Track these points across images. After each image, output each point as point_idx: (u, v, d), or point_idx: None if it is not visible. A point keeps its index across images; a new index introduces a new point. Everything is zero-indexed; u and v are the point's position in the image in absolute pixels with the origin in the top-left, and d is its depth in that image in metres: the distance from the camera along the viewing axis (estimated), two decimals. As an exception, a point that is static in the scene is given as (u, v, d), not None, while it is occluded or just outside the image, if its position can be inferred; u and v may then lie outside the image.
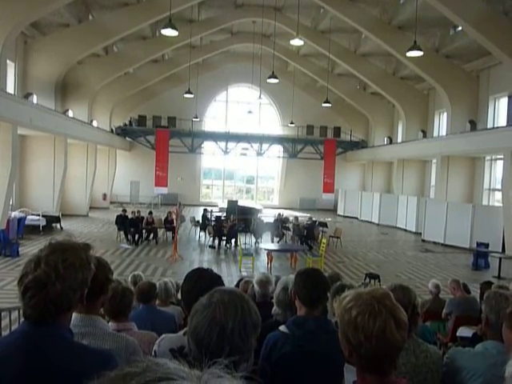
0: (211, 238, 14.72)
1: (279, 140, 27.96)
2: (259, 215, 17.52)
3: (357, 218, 24.69)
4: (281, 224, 15.99)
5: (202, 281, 1.89)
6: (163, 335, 1.93)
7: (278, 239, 15.67)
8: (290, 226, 16.51)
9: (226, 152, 27.64)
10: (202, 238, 16.08)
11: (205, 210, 17.26)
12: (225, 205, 21.09)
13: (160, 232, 15.45)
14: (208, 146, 28.62)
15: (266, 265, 11.65)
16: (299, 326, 2.09)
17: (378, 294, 1.24)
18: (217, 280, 1.95)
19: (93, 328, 1.72)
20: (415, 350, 1.91)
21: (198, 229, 16.63)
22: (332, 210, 28.77)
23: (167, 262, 11.80)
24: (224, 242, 14.46)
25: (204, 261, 12.33)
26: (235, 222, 15.05)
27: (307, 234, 15.03)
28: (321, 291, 2.17)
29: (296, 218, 16.13)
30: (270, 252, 11.62)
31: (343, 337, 1.23)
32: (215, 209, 22.32)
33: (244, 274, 10.59)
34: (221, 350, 1.12)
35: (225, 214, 18.95)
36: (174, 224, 13.70)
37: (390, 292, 1.27)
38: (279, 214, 17.00)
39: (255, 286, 3.56)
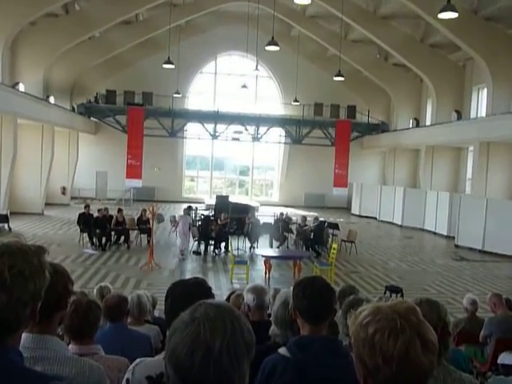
0: (196, 243, 14.74)
1: (280, 121, 27.98)
2: (255, 214, 17.56)
3: (375, 219, 24.85)
4: (282, 225, 16.04)
5: (188, 295, 1.89)
6: (138, 360, 1.93)
7: (278, 244, 15.75)
8: (293, 227, 16.58)
9: (214, 136, 27.63)
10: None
11: (188, 208, 17.23)
12: (213, 201, 21.11)
13: (132, 234, 15.48)
14: (192, 128, 28.63)
15: (264, 275, 11.72)
16: (302, 347, 2.09)
17: (401, 308, 1.24)
18: (205, 293, 1.96)
19: (48, 351, 1.69)
20: (446, 380, 1.91)
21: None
22: (345, 209, 28.91)
23: (141, 271, 11.85)
24: (212, 247, 14.52)
25: (187, 270, 12.39)
26: (226, 223, 15.08)
27: (314, 238, 15.09)
28: (325, 302, 2.17)
29: (301, 217, 16.17)
30: (268, 259, 11.66)
31: (358, 359, 1.23)
32: (201, 206, 22.32)
33: (236, 286, 10.65)
34: (205, 377, 1.11)
35: (213, 213, 19.00)
36: (150, 225, 13.72)
37: (416, 306, 1.27)
38: (280, 214, 17.05)
39: (247, 295, 3.53)
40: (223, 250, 14.81)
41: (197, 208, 20.66)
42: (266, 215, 20.71)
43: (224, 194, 26.88)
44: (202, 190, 32.41)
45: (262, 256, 12.17)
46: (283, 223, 16.28)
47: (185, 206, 18.04)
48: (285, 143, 29.63)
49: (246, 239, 15.60)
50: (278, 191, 31.79)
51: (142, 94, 28.17)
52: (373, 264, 14.04)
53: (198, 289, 1.97)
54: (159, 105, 27.16)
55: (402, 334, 1.19)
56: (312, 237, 15.16)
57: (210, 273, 12.11)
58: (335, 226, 16.63)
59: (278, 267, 12.71)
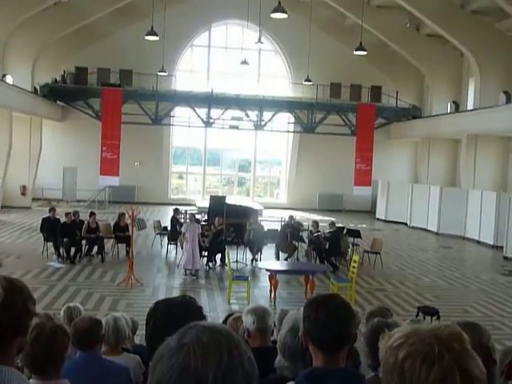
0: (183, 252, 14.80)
1: (289, 105, 28.01)
2: (258, 219, 17.57)
3: (405, 224, 24.93)
4: (291, 232, 16.07)
5: (174, 316, 1.89)
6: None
7: (286, 255, 15.80)
8: (305, 235, 16.62)
9: (208, 123, 27.67)
10: (172, 254, 16.19)
11: (176, 212, 17.33)
12: (206, 203, 21.15)
13: (108, 244, 15.53)
14: (181, 113, 28.73)
15: (269, 294, 11.77)
16: (315, 382, 2.09)
17: (443, 333, 1.23)
18: (195, 313, 1.97)
19: (3, 386, 1.71)
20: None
21: (166, 239, 16.74)
22: (368, 212, 28.96)
23: (119, 288, 11.90)
24: (204, 260, 14.55)
25: (174, 287, 12.44)
26: (222, 229, 15.11)
27: (330, 248, 15.11)
28: (343, 327, 2.16)
29: (314, 223, 16.20)
30: (273, 274, 11.69)
31: (385, 389, 1.24)
32: (192, 209, 22.35)
33: (235, 307, 10.69)
34: (197, 417, 1.12)
35: (206, 218, 19.01)
36: (129, 232, 13.71)
37: (463, 333, 1.26)
38: (289, 218, 17.08)
39: (246, 317, 3.55)
40: (218, 262, 14.82)
41: (186, 212, 20.72)
42: (271, 220, 20.71)
43: (220, 195, 26.93)
44: (192, 190, 32.49)
45: (267, 270, 12.18)
46: (292, 230, 16.28)
47: (172, 208, 18.11)
48: (294, 132, 29.65)
49: (247, 249, 15.62)
50: (285, 191, 31.84)
51: (119, 73, 28.23)
52: (402, 280, 14.05)
53: (186, 309, 1.97)
54: (141, 85, 27.20)
55: (438, 363, 1.18)
56: (328, 247, 15.16)
57: (203, 291, 12.14)
58: (356, 234, 16.64)
59: (285, 284, 12.73)
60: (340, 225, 17.67)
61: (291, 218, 17.03)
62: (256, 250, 15.56)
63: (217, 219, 15.40)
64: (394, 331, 1.29)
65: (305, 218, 23.58)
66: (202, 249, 14.27)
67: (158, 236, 17.30)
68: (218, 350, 1.15)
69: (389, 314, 4.13)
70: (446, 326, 1.28)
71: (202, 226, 15.58)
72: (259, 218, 18.39)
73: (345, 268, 14.49)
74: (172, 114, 27.95)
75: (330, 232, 15.49)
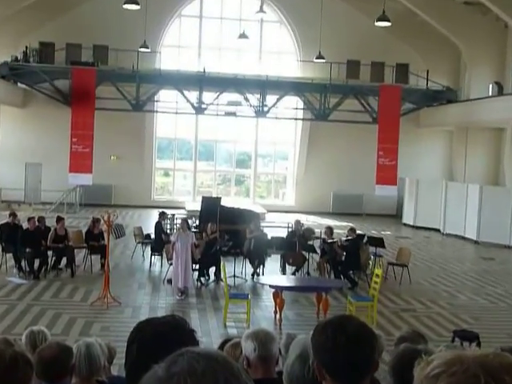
0: (172, 266, 14.79)
1: (297, 87, 28.00)
2: (260, 225, 17.56)
3: (438, 231, 24.95)
4: (299, 241, 16.06)
5: (159, 339, 1.89)
6: None
7: (294, 268, 15.83)
8: (317, 244, 16.61)
9: (199, 110, 27.67)
10: (156, 267, 16.20)
11: (161, 216, 17.32)
12: (197, 206, 21.13)
13: (79, 255, 15.54)
14: (167, 98, 28.79)
15: (273, 315, 11.76)
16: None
17: (492, 362, 1.22)
18: (186, 338, 1.97)
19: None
20: None
21: (149, 249, 16.76)
22: (393, 217, 28.97)
23: (92, 308, 11.90)
24: (195, 274, 14.59)
25: (159, 307, 12.45)
26: (216, 238, 15.11)
27: (348, 260, 15.11)
28: (363, 354, 2.16)
29: (328, 229, 16.18)
30: (278, 291, 11.69)
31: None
32: (180, 213, 22.32)
33: (232, 331, 10.71)
34: None
35: (197, 223, 18.97)
36: (105, 241, 13.69)
37: None
38: (297, 223, 17.09)
39: (246, 343, 3.55)
40: (212, 277, 14.83)
41: (174, 216, 20.71)
42: (275, 226, 20.67)
43: (214, 196, 26.89)
44: (181, 190, 32.48)
45: (271, 287, 12.19)
46: (301, 238, 16.28)
47: (156, 212, 18.10)
48: (304, 120, 29.68)
49: (247, 262, 15.62)
50: (293, 191, 31.86)
51: (92, 49, 28.21)
52: (434, 298, 14.03)
53: (175, 331, 1.96)
54: (118, 64, 27.18)
55: None
56: (344, 258, 15.14)
57: (194, 312, 12.15)
58: (379, 243, 16.60)
59: (293, 303, 12.72)
60: (360, 232, 17.64)
61: (298, 223, 17.06)
62: (257, 262, 15.54)
63: (210, 225, 15.37)
64: (433, 357, 1.28)
65: (316, 223, 23.58)
66: (192, 261, 14.26)
67: (140, 245, 17.28)
68: (214, 382, 1.15)
69: (422, 341, 4.13)
70: (496, 354, 1.26)
71: (194, 234, 15.56)
72: (261, 224, 18.36)
73: (365, 284, 14.47)
74: (156, 98, 27.97)
75: (347, 240, 15.47)
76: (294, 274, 15.51)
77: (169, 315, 2.10)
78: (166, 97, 28.70)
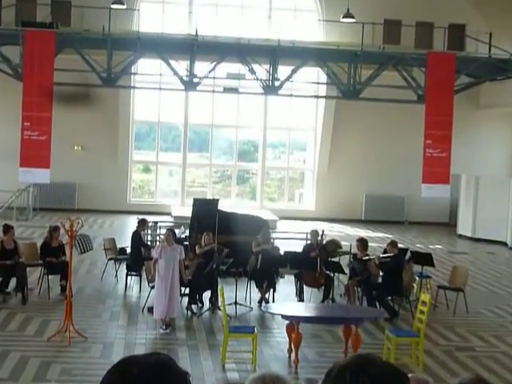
0: (154, 290, 14.79)
1: (318, 56, 27.90)
2: (269, 236, 17.54)
3: (505, 245, 24.95)
4: (321, 257, 16.06)
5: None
6: None
7: (313, 293, 15.79)
8: (344, 261, 16.59)
9: (190, 85, 27.64)
10: (134, 291, 16.24)
11: (140, 224, 17.31)
12: (187, 211, 21.12)
13: (34, 275, 15.54)
14: (148, 69, 28.85)
15: (287, 354, 11.77)
16: None
17: None
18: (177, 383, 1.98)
19: None
20: None
21: (124, 268, 16.81)
22: (445, 225, 28.94)
23: (50, 345, 11.89)
24: (185, 300, 14.62)
25: (137, 343, 12.47)
26: (212, 252, 15.12)
27: (386, 282, 15.11)
28: None
29: (360, 243, 16.13)
30: (294, 324, 11.69)
31: None
32: (164, 220, 22.30)
33: (233, 375, 10.73)
34: None
35: (187, 233, 18.95)
36: (66, 256, 13.65)
37: None
38: (313, 234, 17.03)
39: None
40: (207, 305, 14.84)
41: (157, 225, 20.70)
42: (290, 237, 20.63)
43: (209, 197, 26.85)
44: (165, 191, 32.54)
45: (284, 317, 12.18)
46: (323, 253, 16.29)
47: (134, 219, 18.09)
48: (327, 98, 29.63)
49: (252, 284, 15.66)
50: (312, 191, 31.87)
51: (50, 6, 28.22)
52: (500, 333, 13.97)
53: (162, 375, 1.98)
54: (84, 26, 27.22)
55: None
56: (381, 280, 15.13)
57: (183, 350, 12.15)
58: (426, 260, 16.58)
59: (313, 339, 12.73)
60: (401, 246, 17.61)
61: (315, 234, 16.92)
62: (266, 284, 15.55)
63: (204, 236, 15.39)
64: None
65: (344, 233, 23.57)
66: (181, 284, 14.26)
67: (112, 263, 17.30)
68: None
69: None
70: None
71: (184, 249, 15.52)
72: (271, 235, 18.33)
73: (408, 314, 14.44)
74: (134, 69, 27.93)
75: (385, 257, 15.44)
76: (314, 302, 15.48)
77: (153, 353, 2.09)
78: (147, 68, 28.71)
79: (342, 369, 2.23)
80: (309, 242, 17.96)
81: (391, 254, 15.35)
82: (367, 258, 15.50)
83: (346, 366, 2.24)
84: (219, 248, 15.66)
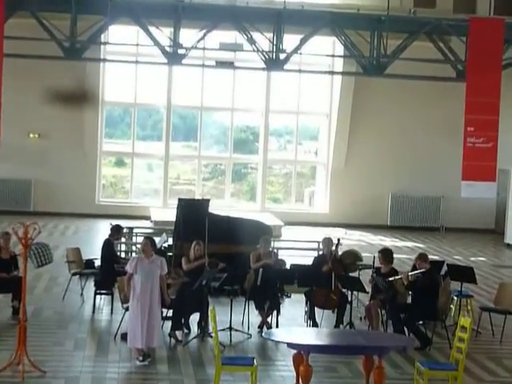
0: (128, 313, 14.77)
1: (333, 21, 27.81)
2: (271, 246, 17.53)
3: None
4: (337, 272, 16.04)
5: None
6: None
7: (325, 314, 15.76)
8: (366, 277, 16.60)
9: (174, 57, 27.59)
10: (104, 313, 16.26)
11: (113, 232, 17.28)
12: (171, 215, 21.11)
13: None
14: (122, 38, 28.86)
15: (294, 392, 11.78)
16: None
17: None
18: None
19: None
20: None
21: (92, 284, 16.79)
22: (490, 232, 29.02)
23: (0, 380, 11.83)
24: (168, 325, 14.62)
25: (107, 379, 12.37)
26: (202, 266, 15.10)
27: (416, 303, 15.11)
28: None
29: (384, 254, 16.10)
30: (303, 354, 11.63)
31: None
32: (142, 226, 22.29)
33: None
34: None
35: (169, 242, 18.94)
36: (19, 271, 13.60)
37: None
38: (326, 242, 16.97)
39: None
40: (196, 331, 14.87)
41: (131, 231, 20.69)
42: (297, 247, 20.60)
43: (197, 198, 26.84)
44: (143, 189, 32.55)
45: (290, 346, 12.07)
46: (339, 267, 16.29)
47: (104, 224, 18.05)
48: (345, 74, 29.61)
49: (251, 305, 15.66)
50: (326, 190, 31.92)
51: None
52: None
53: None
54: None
55: None
56: (411, 300, 15.13)
57: (165, 386, 12.14)
58: (466, 276, 16.54)
59: (326, 373, 12.73)
60: (436, 258, 17.57)
61: (329, 242, 16.73)
62: (269, 305, 15.55)
63: (194, 246, 15.37)
64: None
65: (365, 242, 23.54)
66: (162, 305, 14.24)
67: (77, 278, 17.33)
68: None
69: None
70: None
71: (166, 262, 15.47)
72: (275, 246, 18.35)
73: (444, 342, 14.43)
74: (104, 38, 27.94)
75: (416, 273, 15.44)
76: (326, 328, 15.46)
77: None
78: (121, 37, 28.70)
79: None
80: (321, 252, 17.92)
81: (422, 271, 15.33)
82: (393, 278, 15.45)
83: None
84: (212, 262, 15.62)
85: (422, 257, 15.87)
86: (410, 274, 15.43)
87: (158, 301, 13.29)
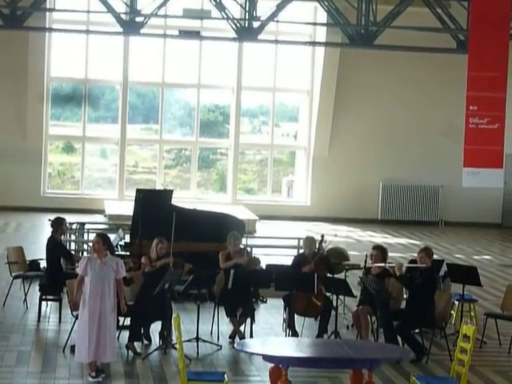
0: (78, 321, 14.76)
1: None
2: (241, 244, 17.53)
3: None
4: (320, 273, 16.07)
5: None
6: None
7: (307, 322, 15.77)
8: (353, 279, 16.68)
9: (130, 26, 27.53)
10: (50, 322, 16.24)
11: (56, 226, 17.23)
12: (128, 208, 21.13)
13: None
14: (70, 3, 28.80)
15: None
16: None
17: None
18: None
19: None
20: None
21: (37, 289, 16.77)
22: (496, 227, 29.29)
23: None
24: (125, 335, 14.60)
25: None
26: (165, 267, 15.09)
27: (412, 308, 15.15)
28: None
29: (376, 251, 16.13)
30: (281, 367, 11.67)
31: None
32: (95, 221, 22.24)
33: None
34: None
35: (126, 240, 18.97)
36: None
37: None
38: (309, 242, 16.99)
39: None
40: (157, 342, 14.88)
41: (82, 227, 20.68)
42: (275, 245, 20.63)
43: (159, 188, 26.82)
44: (95, 179, 32.50)
45: (266, 359, 12.10)
46: (322, 267, 16.35)
47: (48, 218, 17.99)
48: (328, 45, 29.64)
49: (222, 312, 15.65)
50: (308, 180, 31.99)
51: None
52: None
53: None
54: None
55: None
56: (406, 304, 15.23)
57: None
58: (469, 276, 16.59)
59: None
60: (436, 257, 17.62)
61: (310, 242, 16.75)
62: (241, 312, 15.60)
63: (157, 245, 15.38)
64: None
65: (352, 239, 23.60)
66: (119, 313, 14.23)
67: (19, 282, 17.30)
68: None
69: None
70: None
71: (123, 261, 15.44)
72: (247, 242, 18.33)
73: (444, 353, 14.48)
74: (49, 4, 27.87)
75: (412, 266, 15.49)
76: (308, 338, 15.52)
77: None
78: (69, 2, 28.63)
79: None
80: (301, 251, 17.87)
81: (422, 266, 15.36)
82: (386, 275, 15.48)
83: None
84: (178, 263, 15.61)
85: (427, 251, 15.66)
86: (406, 265, 15.50)
87: (112, 308, 13.17)
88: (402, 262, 15.37)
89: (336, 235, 17.48)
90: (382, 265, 15.37)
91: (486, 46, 25.34)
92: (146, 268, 14.98)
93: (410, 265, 15.38)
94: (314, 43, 29.85)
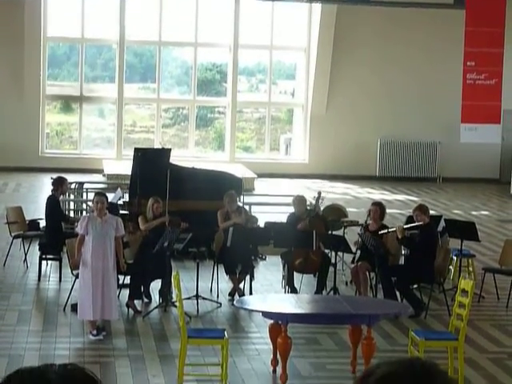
0: (78, 280, 14.77)
1: None
2: (241, 201, 17.52)
3: None
4: (318, 230, 16.07)
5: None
6: None
7: (303, 280, 15.83)
8: (352, 235, 16.70)
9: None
10: (51, 281, 16.28)
11: (57, 185, 17.22)
12: (126, 167, 21.10)
13: None
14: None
15: (270, 366, 11.80)
16: None
17: None
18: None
19: None
20: None
21: (37, 248, 16.82)
22: (494, 182, 29.24)
23: None
24: (125, 294, 14.66)
25: (56, 356, 12.37)
26: (162, 225, 15.12)
27: (411, 264, 15.25)
28: None
29: (375, 207, 16.14)
30: (281, 324, 11.72)
31: None
32: (94, 181, 22.20)
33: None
34: None
35: (126, 199, 19.03)
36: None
37: None
38: (300, 202, 16.96)
39: None
40: (157, 300, 14.93)
41: (81, 186, 20.66)
42: (273, 203, 20.63)
43: (157, 147, 26.78)
44: (93, 138, 32.42)
45: (265, 315, 12.24)
46: (319, 224, 16.36)
47: (49, 179, 17.97)
48: (324, 1, 29.50)
49: (221, 269, 15.70)
50: (306, 138, 31.92)
51: None
52: None
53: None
54: None
55: None
56: (405, 260, 15.27)
57: (122, 364, 12.16)
58: (467, 232, 16.61)
59: (308, 345, 12.81)
60: (432, 212, 17.61)
61: (299, 202, 16.76)
62: (241, 270, 15.64)
63: (151, 203, 15.39)
64: None
65: (351, 196, 23.59)
66: (118, 272, 14.25)
67: (19, 242, 17.32)
68: None
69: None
70: None
71: (122, 219, 15.43)
72: (245, 200, 18.34)
73: (443, 308, 14.54)
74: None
75: (411, 228, 15.53)
76: (303, 292, 15.57)
77: (60, 365, 2.09)
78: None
79: (382, 379, 2.10)
80: (299, 210, 17.75)
81: (419, 224, 15.38)
82: (385, 231, 15.51)
83: (388, 375, 2.10)
84: (175, 221, 15.64)
85: (422, 208, 15.79)
86: (405, 226, 15.50)
87: (113, 266, 13.27)
88: (402, 226, 15.29)
89: (320, 193, 17.25)
90: (384, 231, 15.36)
91: (483, 1, 25.23)
92: (137, 236, 15.07)
93: (410, 225, 15.33)
94: (310, 0, 29.71)
